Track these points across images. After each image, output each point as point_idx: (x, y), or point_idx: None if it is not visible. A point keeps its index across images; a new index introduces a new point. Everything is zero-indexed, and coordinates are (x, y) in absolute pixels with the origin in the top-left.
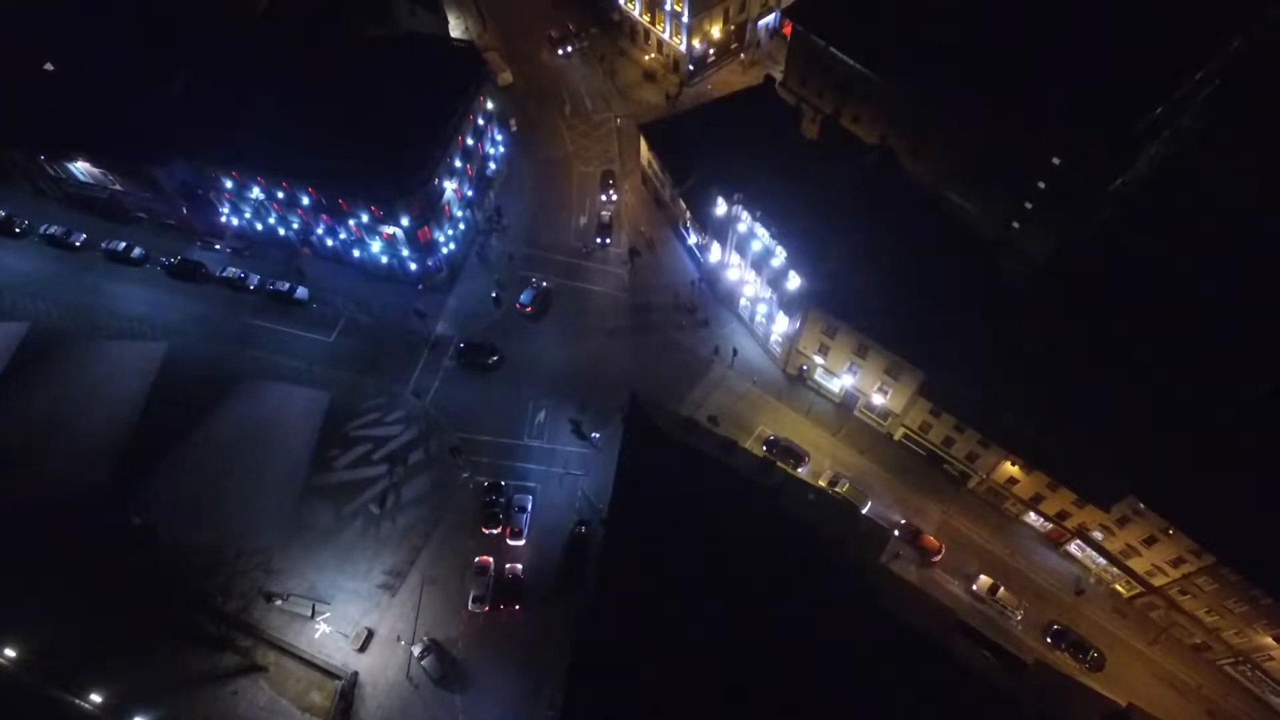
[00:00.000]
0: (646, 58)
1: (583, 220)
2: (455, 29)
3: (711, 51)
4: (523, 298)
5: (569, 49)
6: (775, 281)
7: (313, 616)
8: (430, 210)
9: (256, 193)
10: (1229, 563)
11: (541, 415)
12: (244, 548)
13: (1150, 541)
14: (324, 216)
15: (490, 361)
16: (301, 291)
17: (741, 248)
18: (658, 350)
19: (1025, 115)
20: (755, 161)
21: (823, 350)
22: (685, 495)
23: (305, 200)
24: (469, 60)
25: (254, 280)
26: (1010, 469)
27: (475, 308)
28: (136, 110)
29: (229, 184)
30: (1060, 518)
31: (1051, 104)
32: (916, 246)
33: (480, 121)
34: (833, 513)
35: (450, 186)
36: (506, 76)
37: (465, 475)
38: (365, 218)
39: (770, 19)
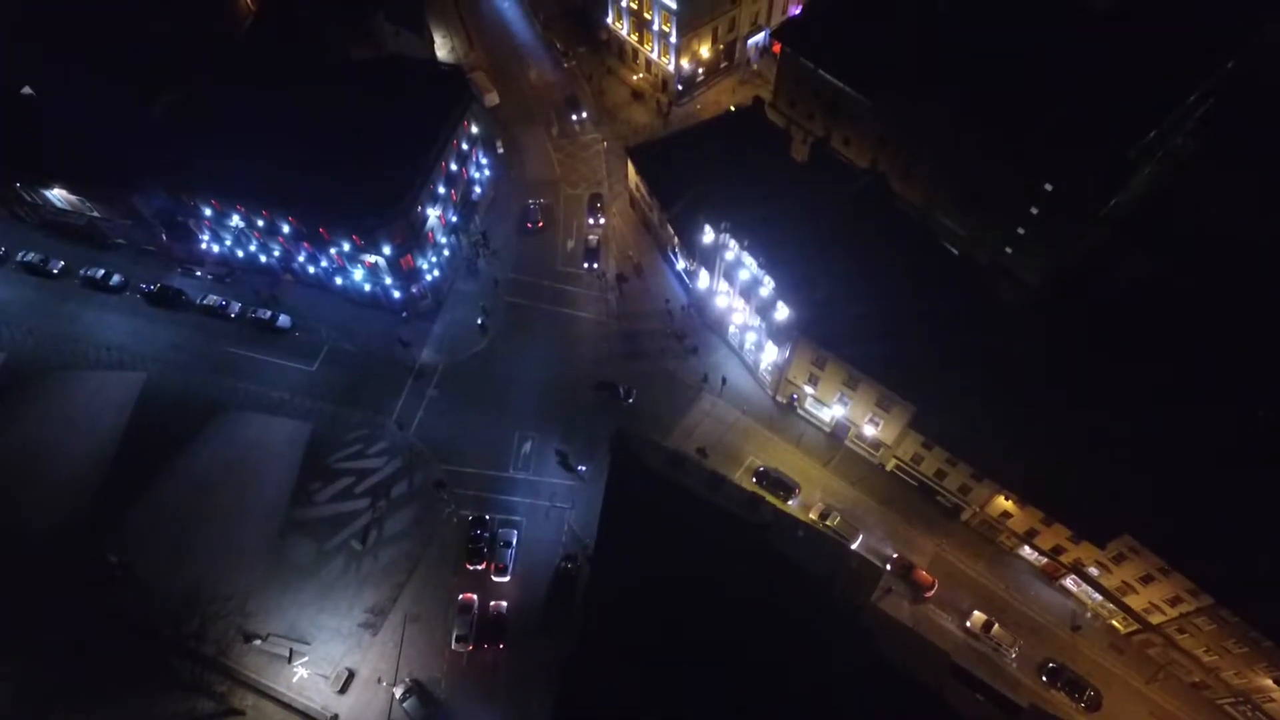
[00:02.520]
0: (635, 77)
1: (570, 244)
2: (442, 48)
3: (700, 71)
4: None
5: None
6: (764, 310)
7: (290, 661)
8: (413, 238)
9: (236, 220)
10: (1228, 604)
11: (528, 446)
12: (223, 586)
13: (1147, 579)
14: (305, 244)
15: (626, 401)
16: (284, 319)
17: (730, 275)
18: (646, 378)
19: (1018, 139)
20: (744, 186)
21: (812, 380)
22: (672, 535)
23: (286, 228)
24: (453, 84)
25: (235, 308)
26: (1004, 503)
27: (461, 334)
28: (115, 135)
29: (208, 212)
30: (1055, 552)
31: (1044, 128)
32: (908, 273)
33: (465, 146)
34: (823, 549)
35: (434, 213)
36: (493, 97)
37: (449, 510)
38: (347, 246)
39: (760, 37)
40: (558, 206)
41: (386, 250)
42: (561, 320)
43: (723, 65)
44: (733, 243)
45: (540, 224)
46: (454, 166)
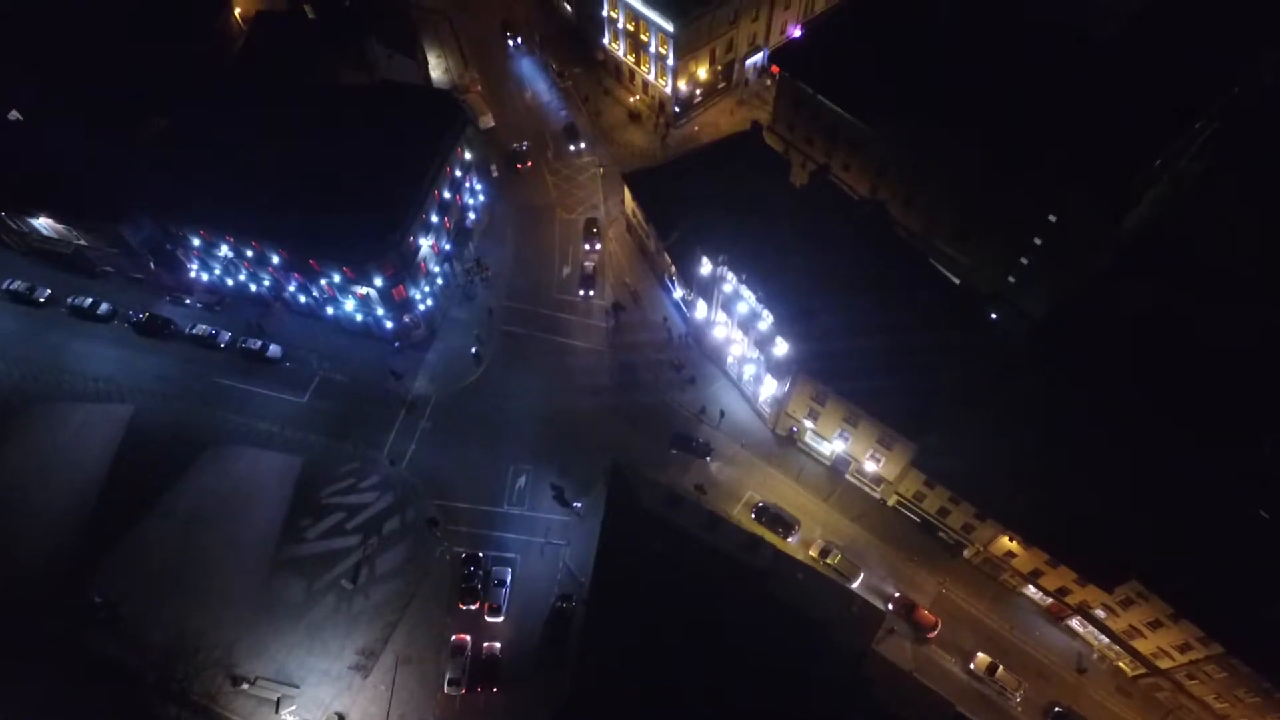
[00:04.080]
0: (632, 99)
1: (566, 271)
2: (436, 69)
3: (698, 92)
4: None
5: (518, 40)
6: (763, 344)
7: (278, 710)
8: (405, 269)
9: (225, 251)
10: (1239, 653)
11: (522, 480)
12: (210, 627)
13: (1156, 625)
14: (296, 275)
15: (706, 455)
16: (274, 349)
17: (728, 307)
18: (642, 410)
19: (1020, 171)
20: (742, 215)
21: (813, 415)
22: (670, 577)
23: (276, 259)
24: (446, 110)
25: (224, 337)
26: (1008, 543)
27: (455, 364)
28: (103, 163)
29: (196, 242)
30: (1061, 593)
31: (1048, 160)
32: (909, 305)
33: (458, 173)
34: (824, 593)
35: (426, 243)
36: (488, 120)
37: (442, 548)
38: (337, 278)
39: (758, 57)
40: (552, 231)
41: (378, 282)
42: (557, 349)
43: (720, 86)
44: (731, 275)
45: (529, 164)
46: (447, 194)
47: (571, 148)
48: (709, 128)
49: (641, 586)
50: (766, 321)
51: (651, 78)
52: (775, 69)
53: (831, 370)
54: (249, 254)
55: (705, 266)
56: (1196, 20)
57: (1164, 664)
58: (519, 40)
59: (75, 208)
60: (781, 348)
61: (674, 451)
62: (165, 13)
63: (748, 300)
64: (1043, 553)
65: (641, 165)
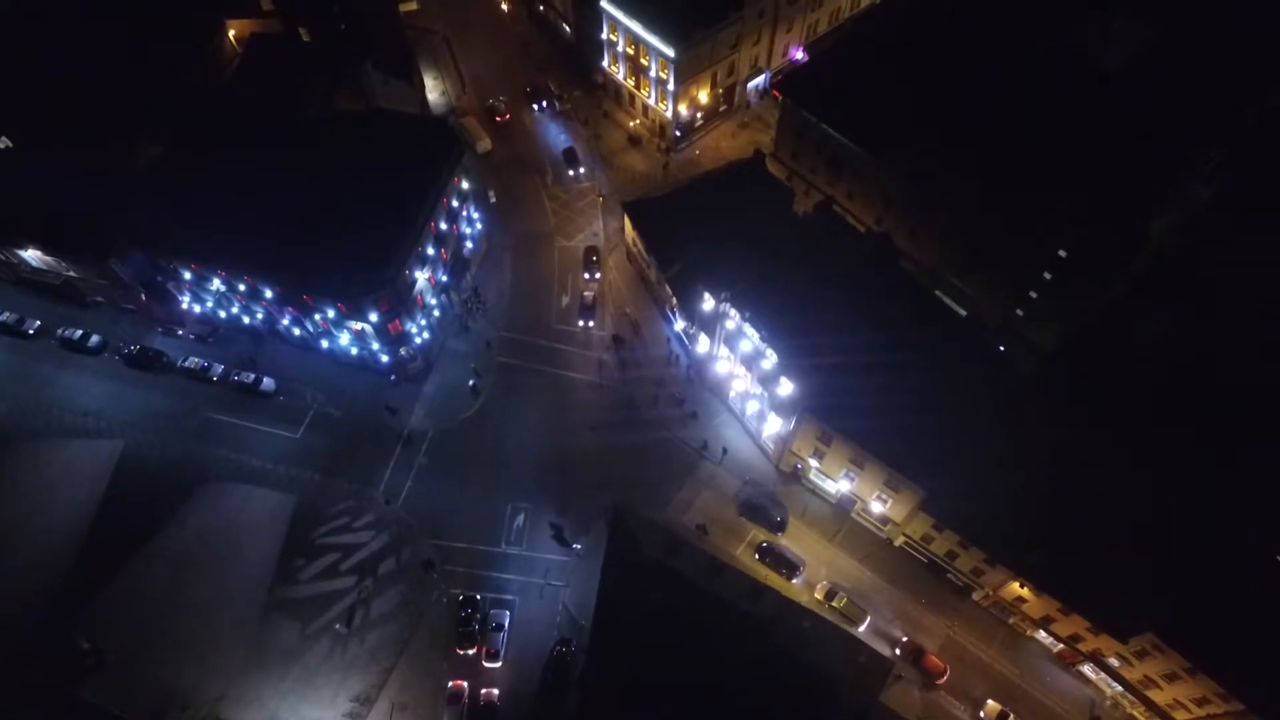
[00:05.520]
0: (632, 123)
1: (565, 300)
2: (433, 91)
3: (699, 115)
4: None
5: (543, 104)
6: (766, 382)
7: None
8: (401, 304)
9: (217, 284)
10: (1260, 711)
11: (520, 519)
12: (201, 675)
13: (1172, 677)
14: (289, 309)
15: (780, 531)
16: (267, 382)
17: (730, 343)
18: (643, 446)
19: (1030, 206)
20: (745, 247)
21: (818, 454)
22: (671, 626)
23: (269, 293)
24: (442, 139)
25: (217, 370)
26: (1019, 589)
27: (452, 398)
28: (94, 193)
29: (188, 275)
30: (1073, 640)
31: (1058, 194)
32: (917, 342)
33: (455, 203)
34: (830, 643)
35: (422, 276)
36: (485, 143)
37: (438, 592)
38: (332, 313)
39: (760, 80)
40: (551, 259)
41: (373, 318)
42: (556, 382)
43: (722, 108)
44: (734, 312)
45: (508, 116)
46: (444, 225)
47: (571, 172)
48: (710, 151)
49: (642, 637)
50: (770, 361)
51: (652, 102)
52: (777, 93)
53: (837, 409)
54: (241, 288)
55: (708, 303)
56: (1207, 48)
57: (1180, 716)
58: (542, 103)
59: (63, 241)
60: (786, 388)
61: (743, 518)
62: (159, 34)
63: (751, 339)
64: (1054, 600)
65: (642, 192)
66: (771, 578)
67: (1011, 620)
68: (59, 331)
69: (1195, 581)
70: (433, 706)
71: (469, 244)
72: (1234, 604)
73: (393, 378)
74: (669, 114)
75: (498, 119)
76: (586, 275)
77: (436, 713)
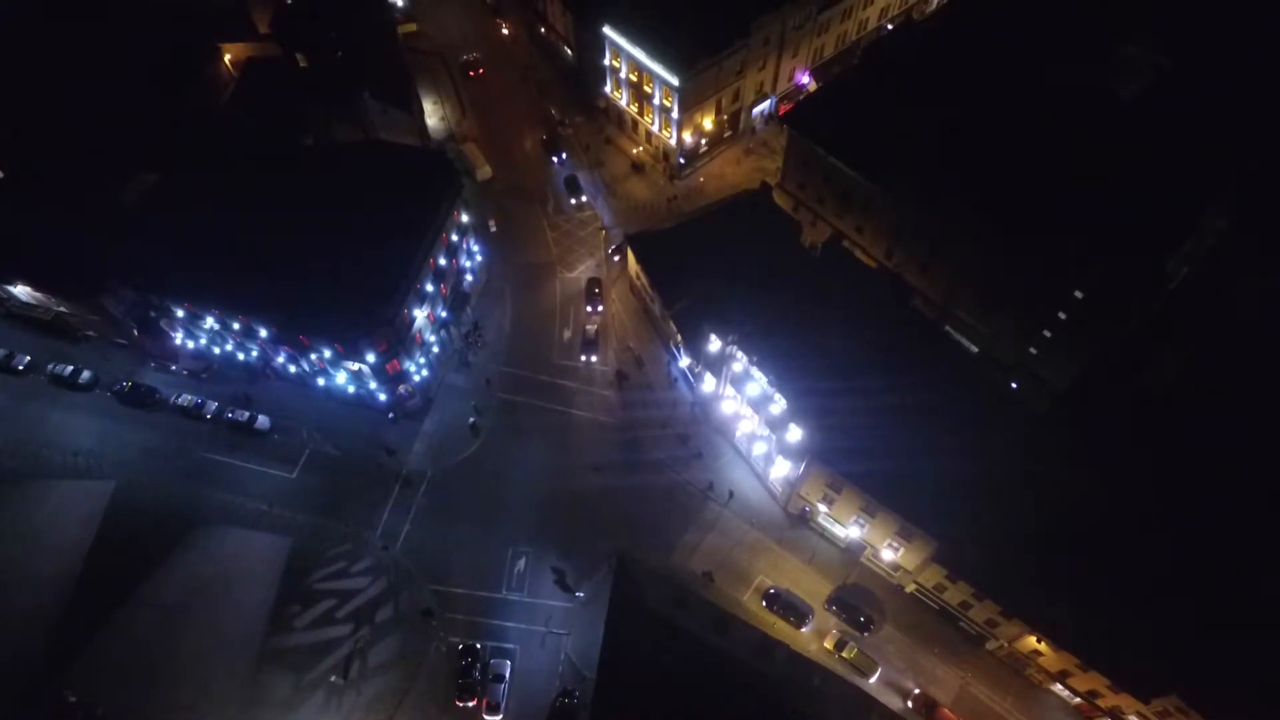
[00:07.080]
0: (635, 150)
1: (567, 334)
2: (432, 116)
3: (703, 142)
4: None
5: (563, 155)
6: (774, 426)
7: None
8: (399, 343)
9: (211, 322)
10: None
11: (521, 563)
12: None
13: None
14: (285, 347)
15: (866, 630)
16: (262, 420)
17: (738, 385)
18: (647, 487)
19: (1044, 246)
20: (751, 284)
21: (827, 500)
22: (677, 683)
23: (264, 332)
24: (441, 172)
25: (211, 407)
26: (1035, 642)
27: (452, 436)
28: (86, 227)
29: (181, 313)
30: (1091, 695)
31: (1074, 234)
32: (929, 384)
33: (454, 238)
34: (841, 702)
35: (421, 314)
36: (486, 170)
37: (436, 642)
38: (328, 353)
39: (765, 105)
40: (553, 291)
41: (370, 358)
42: (558, 420)
43: (726, 134)
44: (741, 355)
45: (481, 70)
46: (443, 261)
47: (573, 200)
48: (715, 179)
49: (648, 696)
50: (779, 405)
51: (655, 128)
52: (783, 109)
53: (847, 454)
54: (236, 326)
55: (714, 344)
56: (1221, 78)
57: None
58: (562, 155)
59: (53, 279)
60: (795, 433)
61: (830, 608)
62: (155, 61)
63: (759, 382)
64: (1072, 656)
65: (646, 223)
66: (780, 625)
67: (1028, 671)
68: (49, 367)
69: (1224, 637)
70: None
71: (469, 277)
72: (1266, 663)
73: (390, 416)
74: (673, 141)
75: (471, 73)
76: (589, 308)
77: None
